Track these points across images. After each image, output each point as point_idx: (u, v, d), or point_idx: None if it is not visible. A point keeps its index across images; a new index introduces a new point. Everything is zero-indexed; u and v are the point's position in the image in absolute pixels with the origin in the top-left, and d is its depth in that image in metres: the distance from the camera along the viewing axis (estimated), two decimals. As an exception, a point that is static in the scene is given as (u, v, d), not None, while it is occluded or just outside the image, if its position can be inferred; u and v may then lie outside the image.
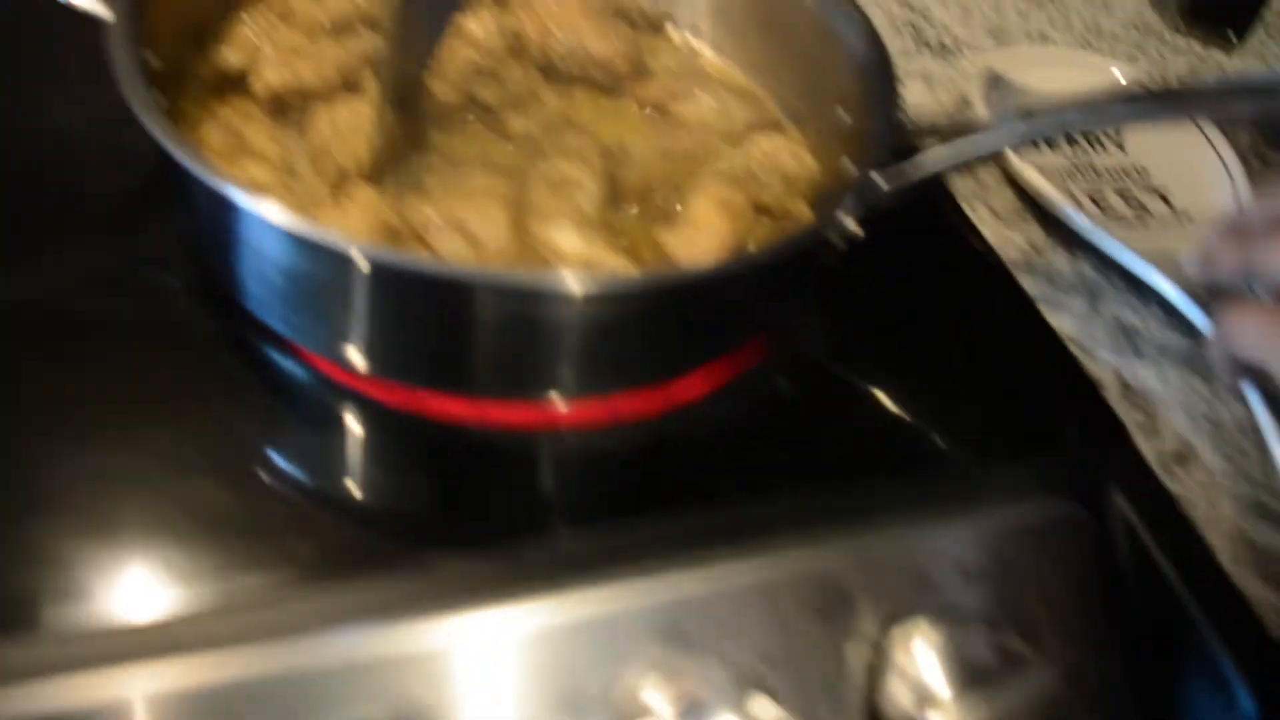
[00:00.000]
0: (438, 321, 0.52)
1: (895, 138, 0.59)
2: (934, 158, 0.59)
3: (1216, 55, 1.06)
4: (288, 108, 0.65)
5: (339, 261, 0.49)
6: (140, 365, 0.55)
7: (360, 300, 0.51)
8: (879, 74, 0.63)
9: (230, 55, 0.65)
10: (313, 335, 0.56)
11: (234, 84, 0.65)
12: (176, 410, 0.54)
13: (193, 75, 0.65)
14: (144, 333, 0.57)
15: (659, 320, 0.53)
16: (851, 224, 0.55)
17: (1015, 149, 0.60)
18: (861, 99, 0.65)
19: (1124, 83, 0.90)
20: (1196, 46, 1.07)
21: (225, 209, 0.51)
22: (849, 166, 0.64)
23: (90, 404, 0.53)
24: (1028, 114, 0.59)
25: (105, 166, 0.65)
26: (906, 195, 0.59)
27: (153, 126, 0.51)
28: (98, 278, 0.59)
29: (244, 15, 0.67)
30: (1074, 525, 0.59)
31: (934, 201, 0.75)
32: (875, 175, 0.56)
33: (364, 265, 0.49)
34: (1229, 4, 1.06)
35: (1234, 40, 1.07)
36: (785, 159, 0.67)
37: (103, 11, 0.56)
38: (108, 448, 0.51)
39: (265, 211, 0.49)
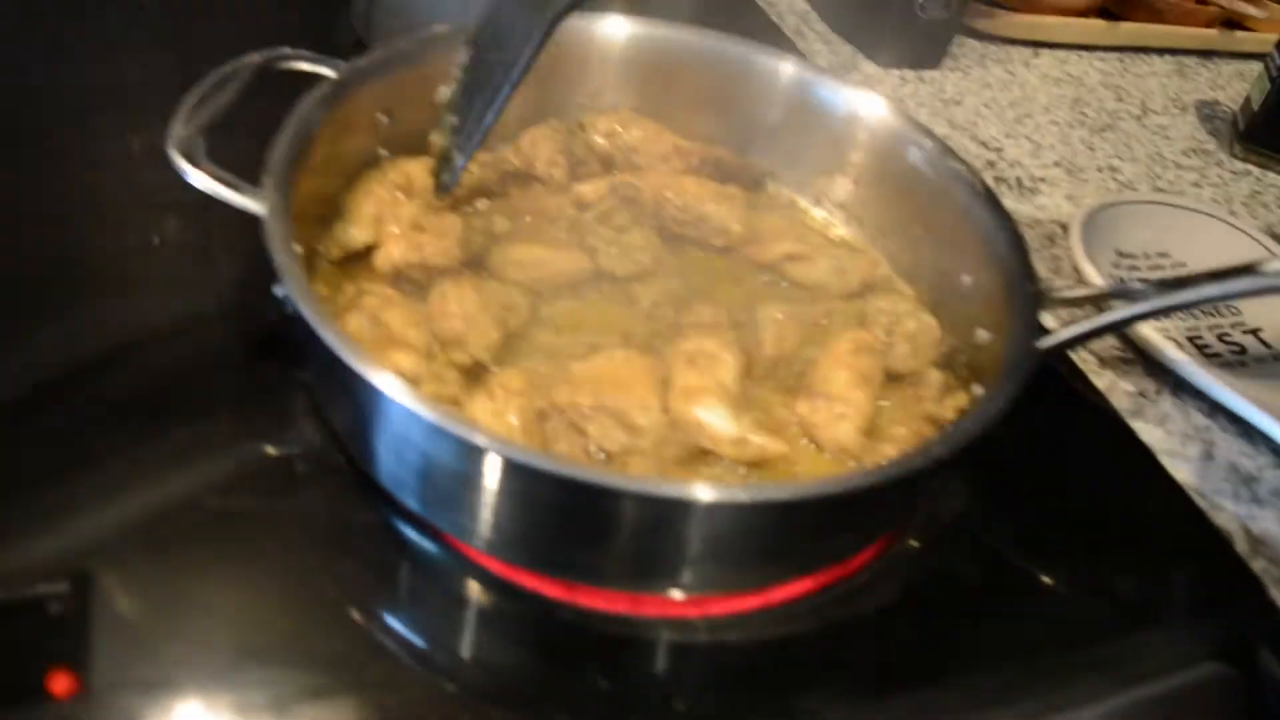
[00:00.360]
0: (579, 517, 0.51)
1: (1039, 307, 0.59)
2: (1078, 328, 0.59)
3: (1272, 176, 1.08)
4: (411, 280, 0.65)
5: (493, 460, 0.49)
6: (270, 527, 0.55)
7: (503, 493, 0.51)
8: (1008, 241, 0.64)
9: (356, 233, 0.65)
10: (446, 516, 0.55)
11: (357, 257, 0.66)
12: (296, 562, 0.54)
13: (321, 254, 0.65)
14: (275, 503, 0.57)
15: (823, 517, 0.52)
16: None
17: (1158, 316, 0.60)
18: (985, 262, 0.65)
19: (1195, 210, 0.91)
20: (1254, 169, 1.09)
21: (382, 402, 0.51)
22: (983, 335, 0.64)
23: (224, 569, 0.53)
24: (1164, 286, 0.60)
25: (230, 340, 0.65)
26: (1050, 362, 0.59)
27: (318, 325, 0.51)
28: (235, 449, 0.59)
29: (366, 189, 0.67)
30: (1227, 686, 0.58)
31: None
32: (1036, 346, 0.56)
33: (519, 465, 0.48)
34: (1282, 128, 1.08)
35: (1289, 161, 1.09)
36: (908, 321, 0.67)
37: (257, 207, 0.56)
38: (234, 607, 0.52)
39: (429, 414, 0.49)
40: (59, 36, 0.90)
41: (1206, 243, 0.89)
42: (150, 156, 0.76)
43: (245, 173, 0.58)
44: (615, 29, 0.77)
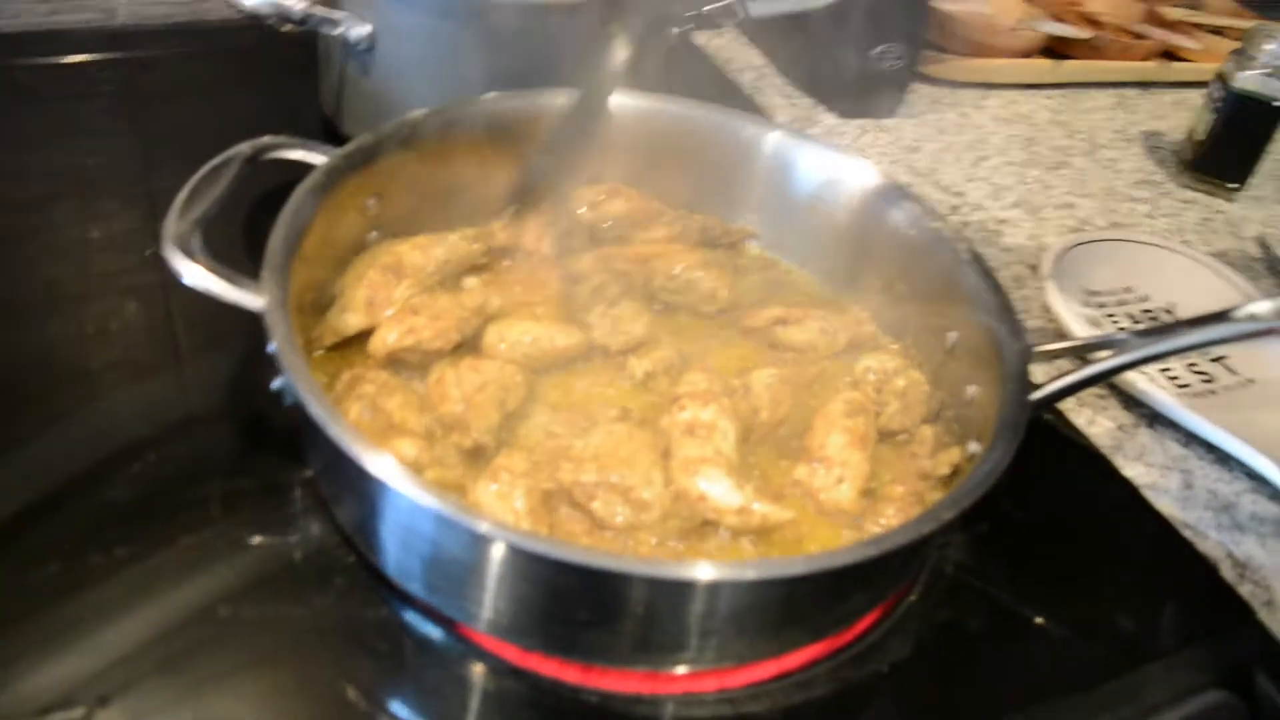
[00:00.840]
0: (589, 601, 0.52)
1: (1028, 362, 0.61)
2: (1067, 379, 0.61)
3: (1219, 203, 1.12)
4: (407, 363, 0.65)
5: (501, 548, 0.49)
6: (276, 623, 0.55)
7: (512, 579, 0.51)
8: (992, 299, 0.65)
9: (351, 318, 0.65)
10: (456, 604, 0.55)
11: (351, 341, 0.66)
12: (312, 665, 0.54)
13: (315, 340, 0.65)
14: (286, 607, 0.56)
15: (834, 586, 0.53)
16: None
17: (1141, 365, 0.62)
18: (970, 319, 0.67)
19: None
20: (1202, 196, 1.13)
21: (388, 494, 0.52)
22: (972, 390, 0.66)
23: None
24: (1145, 336, 0.62)
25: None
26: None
27: (325, 421, 0.51)
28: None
29: (358, 273, 0.67)
30: (1233, 714, 0.60)
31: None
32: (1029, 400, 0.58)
33: (528, 552, 0.49)
34: (1226, 158, 1.12)
35: (1233, 188, 1.12)
36: (897, 379, 0.69)
37: (256, 302, 0.56)
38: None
39: (437, 504, 0.49)
40: (17, 122, 0.90)
41: (1168, 275, 0.92)
42: (111, 242, 0.76)
43: (230, 262, 0.58)
44: (599, 103, 0.78)
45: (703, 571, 0.48)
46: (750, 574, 0.49)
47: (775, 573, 0.49)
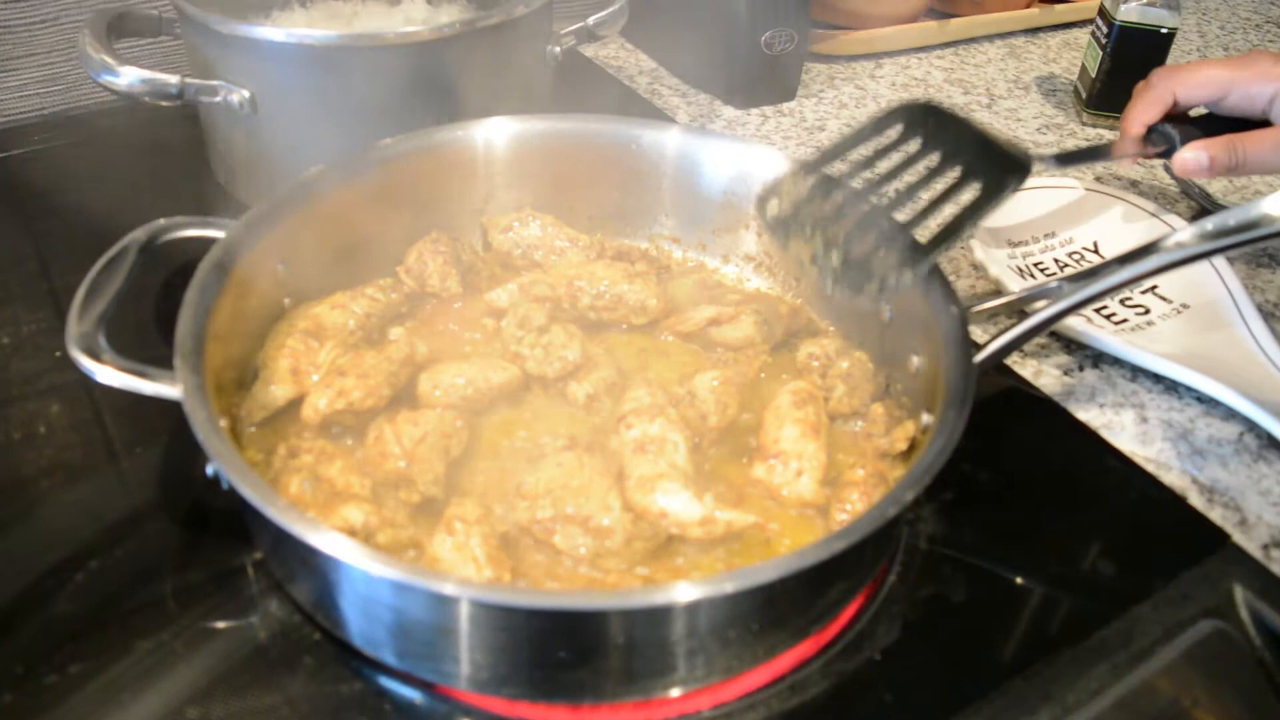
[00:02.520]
0: (565, 642, 0.50)
1: (968, 325, 0.61)
2: (1008, 336, 0.61)
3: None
4: (342, 425, 0.63)
5: (467, 605, 0.48)
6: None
7: (484, 633, 0.50)
8: (921, 261, 0.65)
9: (277, 390, 0.63)
10: (430, 666, 0.53)
11: (282, 412, 0.64)
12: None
13: (243, 419, 0.63)
14: (258, 697, 0.54)
15: (810, 583, 0.52)
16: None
17: (1076, 310, 0.62)
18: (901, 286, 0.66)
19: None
20: (1106, 132, 1.14)
21: (342, 569, 0.50)
22: (916, 361, 0.65)
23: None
24: (1078, 280, 0.62)
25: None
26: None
27: (261, 505, 0.49)
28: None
29: (278, 343, 0.65)
30: (1226, 639, 0.60)
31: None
32: (973, 364, 0.57)
33: (495, 606, 0.48)
34: (1122, 91, 1.13)
35: (1134, 119, 1.14)
36: (840, 361, 0.68)
37: (173, 392, 0.54)
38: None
39: (393, 572, 0.47)
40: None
41: (1086, 215, 0.93)
42: (22, 346, 0.73)
43: (146, 349, 0.56)
44: (497, 130, 0.77)
45: (679, 593, 0.47)
46: (726, 588, 0.47)
47: (750, 582, 0.47)
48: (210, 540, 0.62)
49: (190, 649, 0.55)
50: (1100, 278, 0.61)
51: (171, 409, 0.54)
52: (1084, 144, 1.12)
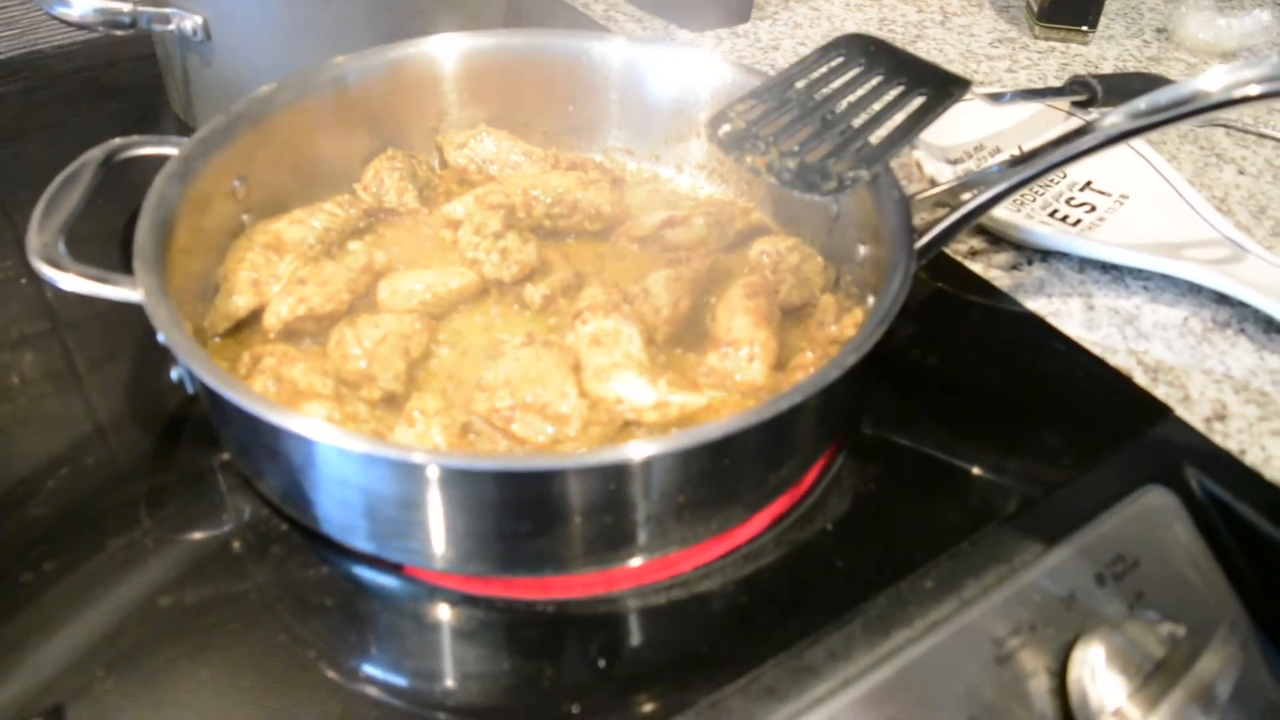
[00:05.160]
0: (530, 510, 0.52)
1: (909, 211, 0.62)
2: (948, 219, 0.63)
3: (1076, 47, 1.15)
4: (304, 333, 0.65)
5: (435, 474, 0.49)
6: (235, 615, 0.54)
7: (451, 506, 0.51)
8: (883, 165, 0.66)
9: (239, 300, 0.65)
10: (400, 546, 0.55)
11: (245, 325, 0.65)
12: (265, 637, 0.53)
13: (207, 331, 0.64)
14: (229, 585, 0.55)
15: (759, 447, 0.54)
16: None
17: (1014, 192, 0.63)
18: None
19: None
20: (1058, 45, 1.15)
21: (310, 449, 0.51)
22: (863, 251, 0.67)
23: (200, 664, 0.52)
24: (1014, 163, 0.64)
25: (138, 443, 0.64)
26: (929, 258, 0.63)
27: (225, 390, 0.50)
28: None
29: (238, 256, 0.67)
30: (1166, 506, 0.62)
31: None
32: (915, 246, 0.59)
33: (462, 472, 0.49)
34: (1075, 3, 1.14)
35: (1086, 31, 1.15)
36: (791, 256, 0.70)
37: (134, 295, 0.55)
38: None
39: (361, 446, 0.49)
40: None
41: (1013, 124, 0.93)
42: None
43: (109, 268, 0.57)
44: (449, 46, 0.78)
45: (633, 451, 0.49)
46: (678, 443, 0.49)
47: (700, 439, 0.49)
48: (179, 447, 0.63)
49: (161, 545, 0.57)
50: (1035, 160, 0.63)
51: (135, 326, 0.55)
52: (1036, 57, 1.13)
